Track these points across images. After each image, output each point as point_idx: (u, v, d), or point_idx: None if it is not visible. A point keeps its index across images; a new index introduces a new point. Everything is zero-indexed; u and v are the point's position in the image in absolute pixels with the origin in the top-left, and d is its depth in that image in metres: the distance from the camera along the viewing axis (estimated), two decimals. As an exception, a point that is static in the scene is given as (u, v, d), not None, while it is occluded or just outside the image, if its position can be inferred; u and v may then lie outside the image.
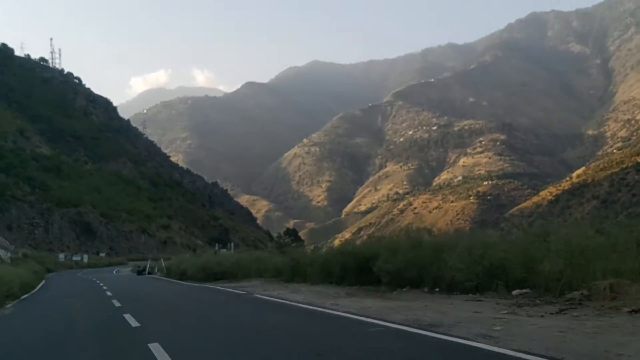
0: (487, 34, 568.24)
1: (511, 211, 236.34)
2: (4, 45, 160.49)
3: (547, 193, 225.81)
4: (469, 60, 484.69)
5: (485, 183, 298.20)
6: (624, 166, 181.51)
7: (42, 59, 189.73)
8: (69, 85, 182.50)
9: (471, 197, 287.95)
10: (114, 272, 58.70)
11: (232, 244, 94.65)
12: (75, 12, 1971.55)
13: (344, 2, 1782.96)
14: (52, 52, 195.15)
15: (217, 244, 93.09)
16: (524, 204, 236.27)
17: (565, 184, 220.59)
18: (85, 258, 74.43)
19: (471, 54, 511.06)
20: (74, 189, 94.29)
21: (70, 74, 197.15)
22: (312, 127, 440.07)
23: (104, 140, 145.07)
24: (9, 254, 47.92)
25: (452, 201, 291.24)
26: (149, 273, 41.25)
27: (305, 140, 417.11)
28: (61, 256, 69.62)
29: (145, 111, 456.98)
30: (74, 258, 73.02)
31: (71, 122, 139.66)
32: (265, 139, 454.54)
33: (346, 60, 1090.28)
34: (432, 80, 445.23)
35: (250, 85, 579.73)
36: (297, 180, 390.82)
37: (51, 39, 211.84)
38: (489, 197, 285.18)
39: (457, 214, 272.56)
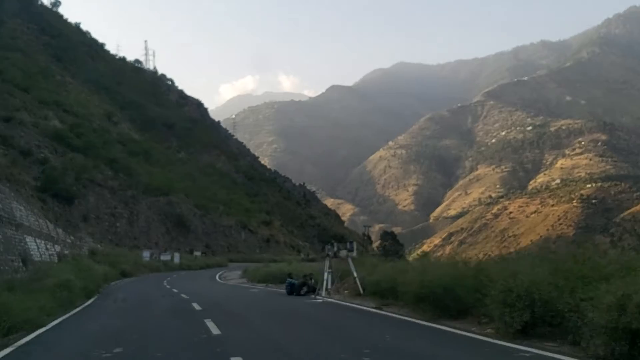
0: (583, 30, 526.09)
1: (622, 215, 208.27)
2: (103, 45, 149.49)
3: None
4: (563, 57, 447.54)
5: (589, 186, 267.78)
6: None
7: (137, 61, 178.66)
8: (161, 81, 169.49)
9: (574, 201, 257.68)
10: (218, 277, 38.93)
11: (354, 244, 73.88)
12: (167, 20, 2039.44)
13: (430, 2, 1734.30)
14: (146, 53, 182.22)
15: (334, 243, 72.51)
16: (637, 208, 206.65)
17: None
18: (177, 258, 55.64)
19: (566, 51, 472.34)
20: (164, 175, 76.54)
21: (163, 75, 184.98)
22: (397, 129, 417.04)
23: (197, 131, 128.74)
24: (56, 249, 28.95)
25: (552, 205, 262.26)
26: (312, 290, 19.70)
27: (391, 143, 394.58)
28: (146, 254, 50.90)
29: (233, 116, 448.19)
30: (162, 257, 54.31)
31: (163, 111, 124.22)
32: (350, 142, 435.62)
33: (433, 61, 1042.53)
34: (525, 78, 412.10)
35: (335, 88, 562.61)
36: (383, 183, 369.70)
37: (145, 41, 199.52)
38: (593, 201, 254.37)
39: (559, 219, 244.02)
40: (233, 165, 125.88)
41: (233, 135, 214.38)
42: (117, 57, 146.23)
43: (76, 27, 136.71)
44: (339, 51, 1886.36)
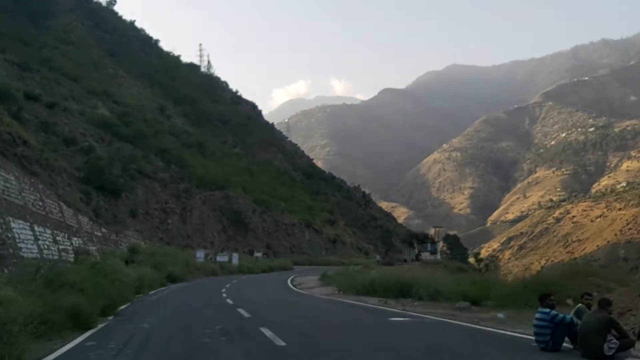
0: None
1: None
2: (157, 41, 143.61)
3: None
4: (626, 56, 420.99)
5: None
6: None
7: (192, 64, 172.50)
8: (215, 82, 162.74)
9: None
10: (290, 284, 29.25)
11: (438, 246, 63.46)
12: (220, 27, 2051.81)
13: (483, 3, 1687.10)
14: (200, 55, 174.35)
15: (415, 244, 61.74)
16: None
17: None
18: (235, 259, 46.54)
19: (629, 49, 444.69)
20: (220, 169, 67.78)
21: (217, 78, 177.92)
22: (452, 132, 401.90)
23: (252, 127, 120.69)
24: (74, 243, 19.93)
25: (620, 209, 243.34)
26: (628, 347, 7.59)
27: (445, 146, 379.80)
28: (200, 255, 41.89)
29: (286, 120, 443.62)
30: (219, 258, 45.24)
31: (218, 107, 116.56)
32: (403, 145, 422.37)
33: (487, 62, 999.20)
34: (585, 78, 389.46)
35: (387, 91, 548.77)
36: (437, 187, 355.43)
37: (200, 44, 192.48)
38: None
39: (628, 224, 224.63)
40: (290, 163, 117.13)
41: (287, 137, 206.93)
42: (172, 54, 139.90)
43: (130, 24, 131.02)
44: (390, 54, 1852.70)
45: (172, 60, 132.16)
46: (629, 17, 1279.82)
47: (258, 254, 53.67)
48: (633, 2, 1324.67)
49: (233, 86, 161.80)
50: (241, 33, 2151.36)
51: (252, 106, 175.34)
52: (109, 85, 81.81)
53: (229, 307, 15.54)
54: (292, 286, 27.17)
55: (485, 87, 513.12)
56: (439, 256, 54.19)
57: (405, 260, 55.07)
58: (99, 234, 25.08)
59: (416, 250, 54.18)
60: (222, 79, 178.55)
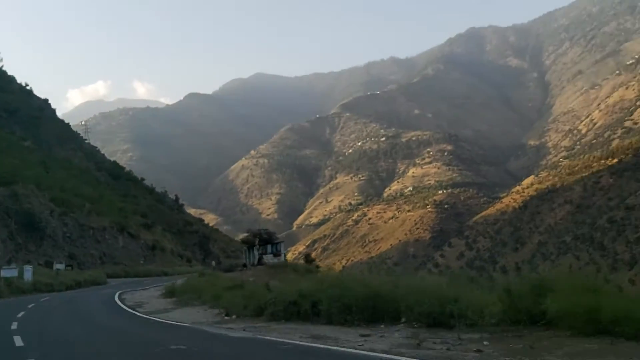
0: (428, 48, 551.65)
1: (474, 219, 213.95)
2: None
3: (510, 200, 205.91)
4: (411, 73, 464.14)
5: (440, 192, 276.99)
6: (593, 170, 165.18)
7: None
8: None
9: (428, 207, 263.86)
10: (124, 304, 19.30)
11: (282, 246, 54.67)
12: (5, 19, 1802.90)
13: (287, 15, 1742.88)
14: None
15: (258, 246, 52.62)
16: (487, 212, 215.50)
17: (529, 190, 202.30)
18: (29, 273, 34.05)
19: (414, 67, 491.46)
20: (7, 161, 52.46)
21: (4, 71, 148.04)
22: (258, 139, 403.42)
23: (47, 121, 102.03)
24: None
25: (409, 211, 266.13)
26: None
27: (252, 152, 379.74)
28: (-26, 269, 29.17)
29: (83, 123, 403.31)
30: (4, 273, 32.43)
31: (3, 96, 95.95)
32: (211, 151, 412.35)
33: (291, 73, 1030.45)
34: (377, 92, 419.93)
35: (193, 96, 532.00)
36: (246, 192, 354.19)
37: None
38: (445, 206, 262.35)
39: (416, 224, 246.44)
40: (94, 163, 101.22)
41: (86, 140, 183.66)
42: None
43: None
44: (196, 59, 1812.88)
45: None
46: (414, 39, 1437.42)
47: (59, 266, 40.90)
48: (417, 26, 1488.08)
49: (22, 81, 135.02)
50: (28, 25, 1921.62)
51: (45, 104, 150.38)
52: None
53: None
54: (131, 310, 17.34)
55: (289, 97, 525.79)
56: (283, 258, 47.02)
57: (245, 265, 46.92)
58: None
59: (257, 253, 46.19)
60: (9, 73, 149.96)
